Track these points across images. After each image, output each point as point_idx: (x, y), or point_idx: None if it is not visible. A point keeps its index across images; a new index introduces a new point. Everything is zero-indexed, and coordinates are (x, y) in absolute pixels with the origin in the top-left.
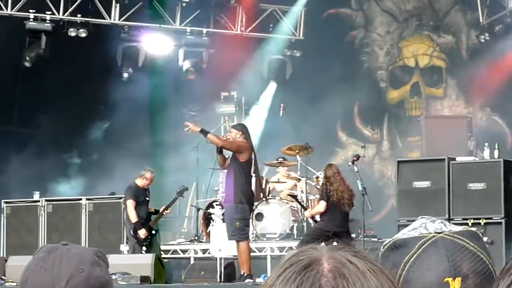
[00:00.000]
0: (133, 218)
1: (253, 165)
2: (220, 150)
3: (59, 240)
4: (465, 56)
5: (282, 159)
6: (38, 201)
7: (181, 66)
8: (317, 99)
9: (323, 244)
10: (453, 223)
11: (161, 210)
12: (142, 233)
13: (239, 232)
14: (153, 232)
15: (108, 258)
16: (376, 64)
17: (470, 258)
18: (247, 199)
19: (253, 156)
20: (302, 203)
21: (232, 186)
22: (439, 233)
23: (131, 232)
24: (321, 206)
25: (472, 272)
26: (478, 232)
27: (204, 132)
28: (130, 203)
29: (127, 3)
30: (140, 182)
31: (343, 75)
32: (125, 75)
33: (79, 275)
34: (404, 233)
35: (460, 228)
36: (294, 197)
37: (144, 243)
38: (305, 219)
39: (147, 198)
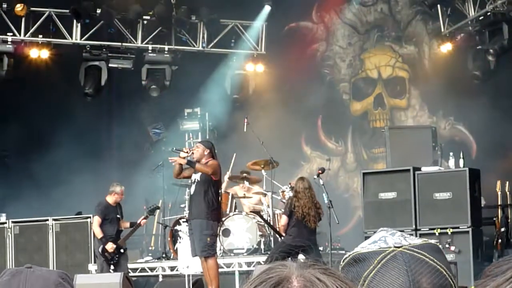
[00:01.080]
0: (98, 234)
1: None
2: (180, 170)
3: (27, 261)
4: (427, 66)
5: (246, 174)
6: (5, 222)
7: (144, 84)
8: (281, 113)
9: (291, 261)
10: (420, 233)
11: (138, 222)
12: (109, 246)
13: (209, 248)
14: (121, 250)
15: (76, 278)
16: (338, 77)
17: (429, 272)
18: (217, 217)
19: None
20: (267, 219)
21: (204, 203)
22: (399, 247)
23: (99, 250)
24: (282, 220)
25: (432, 286)
26: (438, 244)
27: (191, 163)
28: (96, 220)
29: (88, 23)
30: (110, 199)
31: (306, 89)
32: (88, 94)
33: None
34: (363, 247)
35: (420, 241)
36: (257, 213)
37: (112, 262)
38: (271, 233)
39: (118, 216)
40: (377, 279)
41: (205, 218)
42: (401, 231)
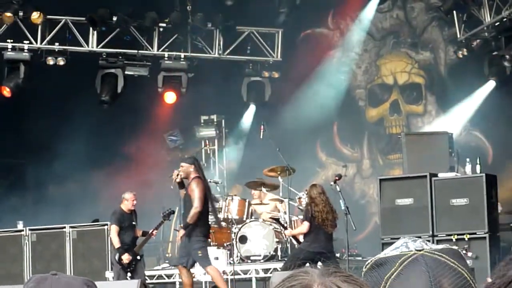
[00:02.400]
0: (116, 243)
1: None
2: (181, 186)
3: (44, 269)
4: (443, 72)
5: (262, 181)
6: (22, 230)
7: (161, 91)
8: (297, 119)
9: (313, 267)
10: (437, 240)
11: (149, 232)
12: (126, 258)
13: (204, 260)
14: (138, 257)
15: None
16: (354, 83)
17: (450, 274)
18: (204, 233)
19: (206, 190)
20: (285, 225)
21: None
22: (420, 250)
23: (115, 258)
24: (304, 227)
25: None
26: (459, 250)
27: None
28: (114, 229)
29: (105, 30)
30: (124, 206)
31: (322, 95)
32: (105, 101)
33: None
34: (385, 253)
35: (441, 246)
36: (277, 220)
37: (129, 269)
38: (288, 240)
39: (133, 223)
40: (399, 280)
41: (194, 236)
42: (418, 237)
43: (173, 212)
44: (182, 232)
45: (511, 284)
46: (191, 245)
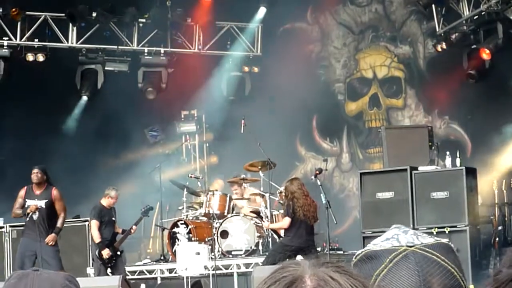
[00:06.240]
0: (96, 238)
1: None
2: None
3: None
4: (422, 65)
5: (243, 176)
6: (3, 227)
7: (141, 86)
8: (276, 113)
9: (303, 259)
10: (423, 233)
11: (129, 228)
12: (106, 253)
13: None
14: (118, 253)
15: None
16: (333, 77)
17: (440, 273)
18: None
19: None
20: (266, 218)
21: None
22: (411, 246)
23: (96, 253)
24: (285, 222)
25: (442, 287)
26: (451, 244)
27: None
28: (94, 224)
29: (84, 26)
30: (105, 201)
31: (301, 89)
32: (85, 97)
33: None
34: (375, 243)
35: (432, 240)
36: (257, 213)
37: (109, 264)
38: (270, 234)
39: (113, 218)
40: (388, 278)
41: None
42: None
43: (152, 209)
44: None
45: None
46: None
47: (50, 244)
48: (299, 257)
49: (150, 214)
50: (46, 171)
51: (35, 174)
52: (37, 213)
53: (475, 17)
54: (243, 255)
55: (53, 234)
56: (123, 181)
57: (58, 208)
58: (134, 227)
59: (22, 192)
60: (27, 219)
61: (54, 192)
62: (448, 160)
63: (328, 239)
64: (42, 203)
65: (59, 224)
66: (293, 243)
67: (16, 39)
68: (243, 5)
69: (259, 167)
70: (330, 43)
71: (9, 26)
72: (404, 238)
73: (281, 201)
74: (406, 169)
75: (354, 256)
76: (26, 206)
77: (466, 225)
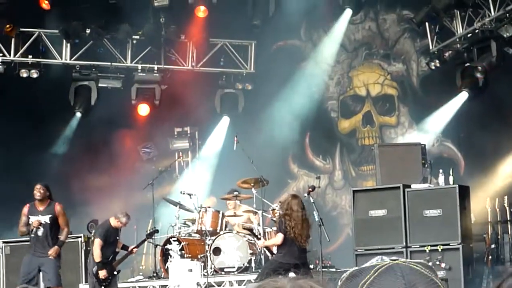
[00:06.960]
0: (97, 258)
1: None
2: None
3: (18, 281)
4: (416, 83)
5: (236, 193)
6: None
7: (134, 103)
8: (269, 130)
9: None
10: (410, 251)
11: (129, 249)
12: (102, 274)
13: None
14: (115, 273)
15: None
16: (326, 95)
17: (425, 282)
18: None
19: None
20: (258, 236)
21: None
22: (395, 260)
23: (93, 270)
24: (278, 238)
25: None
26: (433, 267)
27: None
28: (97, 243)
29: (78, 43)
30: (114, 222)
31: (294, 107)
32: (78, 114)
33: None
34: (360, 266)
35: (415, 260)
36: (250, 230)
37: (104, 284)
38: (262, 251)
39: (117, 238)
40: (374, 286)
41: None
42: (391, 248)
43: (157, 231)
44: None
45: None
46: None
47: (52, 256)
48: (291, 274)
49: (154, 237)
50: (48, 187)
51: (38, 190)
52: (41, 228)
53: (468, 35)
54: (236, 272)
55: (56, 247)
56: (116, 197)
57: (61, 223)
58: (135, 249)
59: (25, 210)
60: (32, 235)
61: (58, 207)
62: (441, 178)
63: (320, 257)
64: (46, 219)
65: (62, 237)
66: (286, 260)
67: (10, 55)
68: (236, 22)
69: (252, 184)
70: (323, 60)
71: (3, 42)
72: (388, 258)
73: (274, 219)
74: (399, 187)
75: (340, 279)
76: (30, 222)
77: (459, 243)
